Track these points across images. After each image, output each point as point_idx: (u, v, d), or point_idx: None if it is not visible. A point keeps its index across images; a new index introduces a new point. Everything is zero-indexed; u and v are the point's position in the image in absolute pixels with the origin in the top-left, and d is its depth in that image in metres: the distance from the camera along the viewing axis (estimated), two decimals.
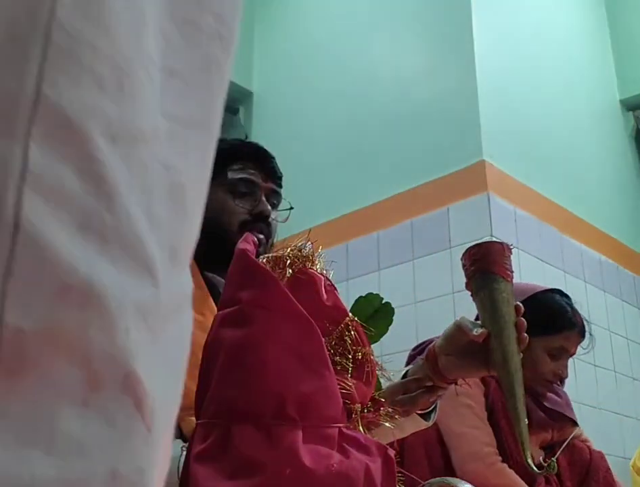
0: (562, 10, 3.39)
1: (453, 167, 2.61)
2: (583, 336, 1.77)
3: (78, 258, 0.24)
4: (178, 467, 0.93)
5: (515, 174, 2.65)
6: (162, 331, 0.29)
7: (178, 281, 0.31)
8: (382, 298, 0.89)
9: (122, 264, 0.26)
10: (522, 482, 1.58)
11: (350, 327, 0.73)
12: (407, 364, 1.54)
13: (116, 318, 0.26)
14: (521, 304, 0.99)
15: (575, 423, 1.81)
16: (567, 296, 1.80)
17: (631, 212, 3.39)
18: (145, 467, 0.27)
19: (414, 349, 1.77)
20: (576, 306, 1.78)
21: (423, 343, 1.84)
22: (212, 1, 0.34)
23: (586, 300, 2.82)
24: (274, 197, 1.26)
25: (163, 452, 0.29)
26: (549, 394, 1.78)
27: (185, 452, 0.68)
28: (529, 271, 2.53)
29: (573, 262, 2.82)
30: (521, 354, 0.96)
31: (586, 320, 1.80)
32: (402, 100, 2.87)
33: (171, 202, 0.30)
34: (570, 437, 1.70)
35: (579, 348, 1.81)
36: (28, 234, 0.23)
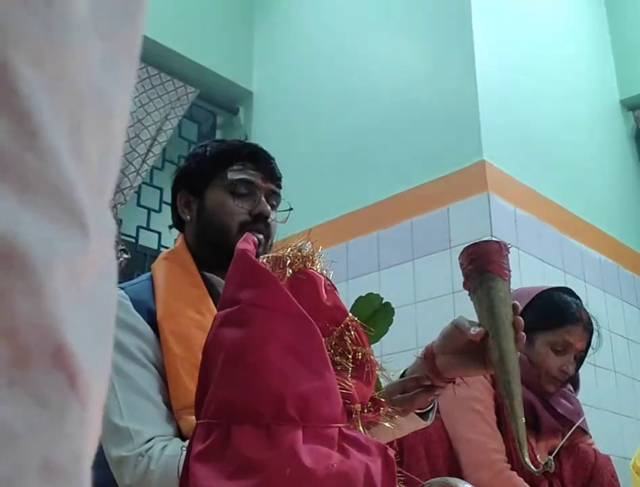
0: (562, 10, 3.39)
1: (453, 167, 2.61)
2: (590, 333, 1.77)
3: None
4: (178, 467, 0.93)
5: (515, 174, 2.65)
6: (92, 288, 0.26)
7: (106, 224, 0.27)
8: (382, 298, 0.89)
9: (48, 213, 0.23)
10: None
11: (350, 327, 0.73)
12: None
13: (43, 280, 0.23)
14: (518, 303, 1.00)
15: (585, 432, 1.81)
16: (575, 295, 1.81)
17: (631, 212, 3.39)
18: (80, 452, 0.24)
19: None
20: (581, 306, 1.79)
21: None
22: None
23: (586, 300, 2.82)
24: (273, 198, 1.26)
25: (95, 429, 0.26)
26: (562, 400, 1.77)
27: (184, 452, 0.68)
28: (529, 271, 2.53)
29: (573, 262, 2.82)
30: (519, 353, 0.96)
31: (594, 318, 1.79)
32: (402, 100, 2.87)
33: (102, 134, 0.27)
34: (567, 435, 1.70)
35: (590, 349, 1.81)
36: None
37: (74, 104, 0.25)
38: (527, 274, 2.51)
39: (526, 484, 1.58)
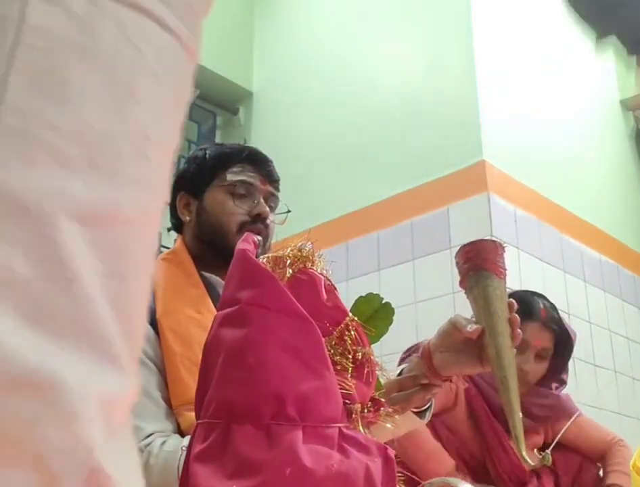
0: (562, 10, 3.39)
1: (453, 167, 2.61)
2: (552, 331, 1.75)
3: (28, 348, 0.22)
4: (178, 467, 0.94)
5: (515, 174, 2.65)
6: (122, 425, 0.27)
7: (135, 373, 0.29)
8: (382, 298, 0.89)
9: (83, 352, 0.24)
10: None
11: (350, 327, 0.73)
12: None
13: (77, 410, 0.23)
14: (514, 301, 1.01)
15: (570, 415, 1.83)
16: (546, 299, 1.80)
17: (631, 212, 3.39)
18: None
19: (405, 352, 1.78)
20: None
21: (413, 347, 1.85)
22: (189, 75, 0.34)
23: (586, 300, 2.82)
24: (272, 200, 1.28)
25: None
26: (535, 399, 1.77)
27: (185, 452, 0.69)
28: (529, 271, 2.53)
29: (573, 262, 2.82)
30: (515, 350, 0.98)
31: (562, 320, 1.78)
32: (402, 100, 2.87)
33: (141, 289, 0.29)
34: (565, 427, 1.71)
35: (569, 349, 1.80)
36: None
37: (117, 256, 0.27)
38: (527, 274, 2.51)
39: None
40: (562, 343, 1.78)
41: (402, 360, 1.72)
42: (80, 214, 0.25)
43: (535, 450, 1.66)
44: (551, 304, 1.81)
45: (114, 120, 0.27)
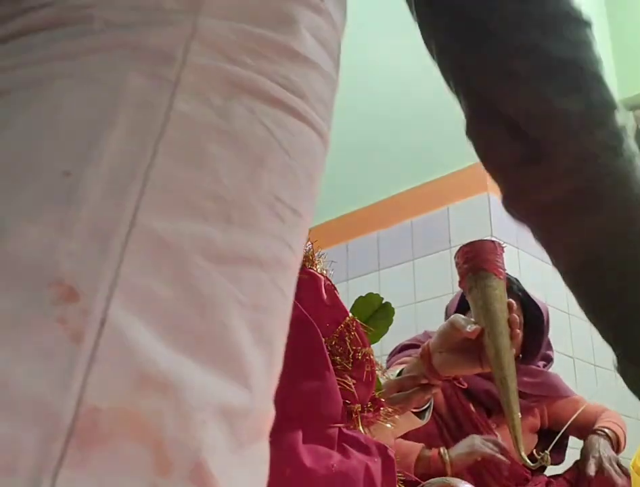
0: None
1: (453, 167, 2.61)
2: (515, 296, 1.75)
3: (159, 354, 0.27)
4: None
5: None
6: (250, 443, 0.30)
7: (270, 404, 0.32)
8: (382, 298, 0.89)
9: (210, 364, 0.28)
10: None
11: (350, 327, 0.73)
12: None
13: (192, 411, 0.27)
14: (513, 301, 1.01)
15: (566, 395, 1.83)
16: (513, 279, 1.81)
17: None
18: None
19: (391, 354, 1.79)
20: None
21: (396, 349, 1.85)
22: (320, 157, 0.38)
23: None
24: None
25: None
26: (522, 378, 1.77)
27: None
28: (529, 271, 2.53)
29: None
30: (514, 350, 0.98)
31: (528, 293, 1.79)
32: (402, 100, 2.87)
33: (282, 329, 0.33)
34: (572, 418, 1.72)
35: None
36: (113, 328, 0.26)
37: (255, 292, 0.31)
38: (527, 274, 2.51)
39: None
40: (532, 314, 1.80)
41: (403, 348, 1.73)
42: (216, 254, 0.30)
43: (534, 451, 1.67)
44: (516, 278, 1.82)
45: (247, 183, 0.31)
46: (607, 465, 1.67)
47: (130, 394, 0.26)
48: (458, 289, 2.38)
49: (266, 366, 0.31)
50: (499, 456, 1.54)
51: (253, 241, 0.31)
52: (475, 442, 1.58)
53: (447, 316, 1.89)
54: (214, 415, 0.28)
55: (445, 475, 1.56)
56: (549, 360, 1.92)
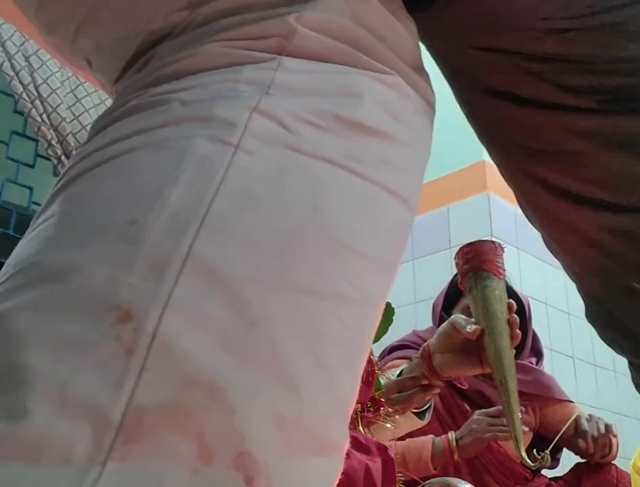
0: None
1: (453, 167, 2.61)
2: None
3: (208, 361, 0.30)
4: None
5: None
6: (305, 452, 0.32)
7: (341, 429, 0.34)
8: None
9: (258, 373, 0.30)
10: None
11: None
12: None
13: (236, 407, 0.29)
14: (513, 302, 1.01)
15: (561, 400, 1.82)
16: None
17: None
18: None
19: (381, 355, 1.78)
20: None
21: (385, 350, 1.85)
22: (392, 215, 0.40)
23: None
24: None
25: None
26: (518, 377, 1.77)
27: None
28: (529, 271, 2.53)
29: None
30: (514, 350, 0.98)
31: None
32: None
33: (344, 354, 0.34)
34: (568, 423, 1.71)
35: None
36: (162, 342, 0.29)
37: (308, 319, 0.33)
38: (527, 274, 2.51)
39: None
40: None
41: (393, 349, 1.73)
42: (268, 282, 0.32)
43: (534, 451, 1.66)
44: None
45: (297, 225, 0.34)
46: (588, 436, 1.66)
47: (176, 395, 0.29)
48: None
49: (322, 388, 0.33)
50: (501, 434, 1.51)
51: (305, 273, 0.33)
52: (475, 427, 1.56)
53: (434, 314, 1.89)
54: (261, 414, 0.30)
55: (455, 461, 1.56)
56: (539, 355, 1.91)
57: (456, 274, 1.88)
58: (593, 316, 0.65)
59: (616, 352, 0.67)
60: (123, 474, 0.27)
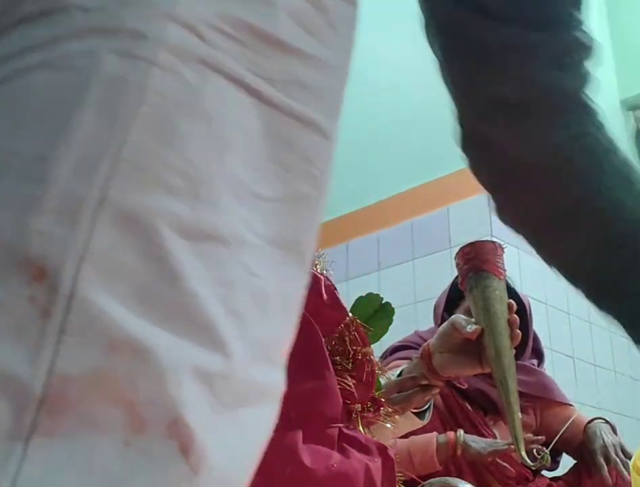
0: None
1: (453, 167, 2.61)
2: None
3: (129, 321, 0.28)
4: None
5: None
6: (237, 407, 0.30)
7: (267, 374, 0.33)
8: (382, 298, 0.89)
9: (182, 333, 0.29)
10: None
11: (350, 327, 0.73)
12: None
13: (165, 372, 0.28)
14: (513, 302, 1.01)
15: (563, 403, 1.82)
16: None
17: None
18: None
19: (383, 356, 1.78)
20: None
21: (387, 350, 1.85)
22: (303, 146, 0.38)
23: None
24: None
25: None
26: (519, 378, 1.77)
27: None
28: (529, 271, 2.53)
29: None
30: (514, 350, 0.98)
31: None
32: (402, 99, 2.87)
33: (254, 303, 0.32)
34: (566, 425, 1.70)
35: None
36: (81, 302, 0.27)
37: (220, 268, 0.31)
38: (527, 274, 2.51)
39: None
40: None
41: (395, 350, 1.73)
42: (183, 229, 0.30)
43: (534, 451, 1.66)
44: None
45: (214, 163, 0.32)
46: (613, 455, 1.61)
47: (100, 360, 0.27)
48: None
49: (240, 337, 0.31)
50: (507, 447, 1.50)
51: (216, 218, 0.31)
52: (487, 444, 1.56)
53: (435, 314, 1.89)
54: (191, 377, 0.28)
55: (457, 457, 1.56)
56: (540, 356, 1.91)
57: (457, 276, 1.89)
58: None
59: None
60: (50, 450, 0.26)
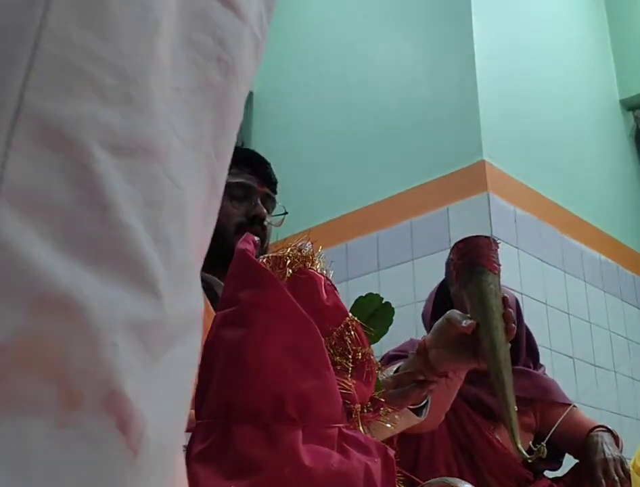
0: (562, 10, 3.39)
1: (453, 167, 2.61)
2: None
3: (58, 269, 0.23)
4: None
5: (515, 174, 2.65)
6: (165, 352, 0.27)
7: (187, 300, 0.30)
8: (382, 298, 0.89)
9: (114, 278, 0.25)
10: None
11: (350, 327, 0.73)
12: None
13: (100, 333, 0.24)
14: (508, 296, 1.02)
15: (565, 404, 1.81)
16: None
17: (631, 212, 3.39)
18: None
19: (382, 359, 1.78)
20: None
21: (384, 359, 1.85)
22: (215, 24, 0.33)
23: (586, 300, 2.82)
24: (269, 202, 1.30)
25: (160, 482, 0.27)
26: (518, 382, 1.76)
27: (185, 452, 0.69)
28: (529, 271, 2.53)
29: (573, 262, 2.82)
30: (509, 344, 0.98)
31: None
32: (402, 100, 2.87)
33: (178, 222, 0.29)
34: (560, 418, 1.70)
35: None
36: (2, 246, 0.22)
37: (151, 187, 0.27)
38: (527, 274, 2.51)
39: None
40: None
41: (390, 358, 1.73)
42: (114, 143, 0.25)
43: (530, 443, 1.66)
44: None
45: (144, 54, 0.27)
46: (612, 472, 1.59)
47: (26, 323, 0.22)
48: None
49: (166, 266, 0.27)
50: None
51: (148, 126, 0.27)
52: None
53: (425, 322, 1.88)
54: (125, 334, 0.25)
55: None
56: (535, 354, 1.90)
57: (441, 283, 1.88)
58: None
59: None
60: None
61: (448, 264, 1.84)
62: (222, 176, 0.34)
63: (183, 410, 0.30)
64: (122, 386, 0.24)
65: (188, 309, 0.29)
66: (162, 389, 0.27)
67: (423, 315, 1.89)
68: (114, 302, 0.25)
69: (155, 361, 0.26)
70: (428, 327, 1.83)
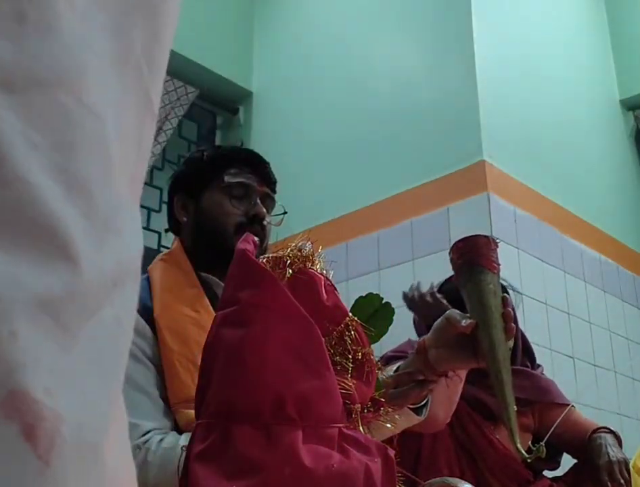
0: (562, 10, 3.39)
1: (453, 167, 2.61)
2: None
3: None
4: (178, 464, 0.94)
5: (515, 174, 2.65)
6: (87, 322, 0.24)
7: (117, 251, 0.25)
8: (382, 298, 0.89)
9: (14, 251, 0.21)
10: None
11: (350, 327, 0.73)
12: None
13: None
14: (507, 296, 1.02)
15: (562, 404, 1.81)
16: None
17: (631, 212, 3.39)
18: None
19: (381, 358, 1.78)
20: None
21: (382, 360, 1.84)
22: None
23: (586, 300, 2.82)
24: (268, 201, 1.30)
25: (77, 481, 0.23)
26: (516, 383, 1.76)
27: (184, 452, 0.69)
28: (529, 271, 2.53)
29: (573, 262, 2.82)
30: (509, 343, 0.98)
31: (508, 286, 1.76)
32: (402, 100, 2.87)
33: (97, 160, 0.25)
34: (559, 419, 1.70)
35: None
36: None
37: (60, 125, 0.23)
38: (527, 274, 2.51)
39: None
40: None
41: (389, 359, 1.73)
42: (6, 79, 0.22)
43: (529, 442, 1.66)
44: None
45: None
46: (618, 475, 1.58)
47: None
48: None
49: (86, 217, 0.24)
50: None
51: (52, 49, 0.23)
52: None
53: (416, 327, 1.89)
54: (29, 316, 0.21)
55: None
56: (531, 353, 1.90)
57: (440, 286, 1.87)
58: None
59: None
60: None
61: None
62: (157, 90, 0.29)
63: (114, 389, 0.25)
64: (25, 383, 0.21)
65: (118, 261, 0.25)
66: (84, 372, 0.23)
67: (415, 321, 1.90)
68: (14, 281, 0.21)
69: (72, 339, 0.23)
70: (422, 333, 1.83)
